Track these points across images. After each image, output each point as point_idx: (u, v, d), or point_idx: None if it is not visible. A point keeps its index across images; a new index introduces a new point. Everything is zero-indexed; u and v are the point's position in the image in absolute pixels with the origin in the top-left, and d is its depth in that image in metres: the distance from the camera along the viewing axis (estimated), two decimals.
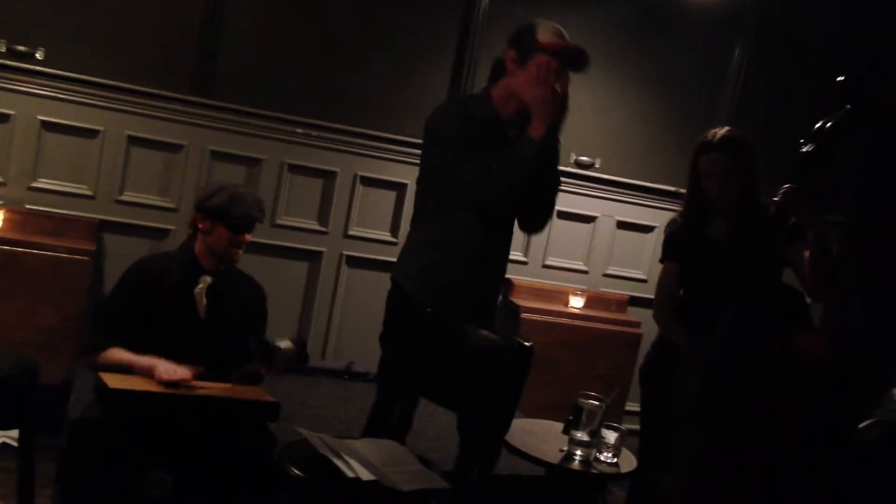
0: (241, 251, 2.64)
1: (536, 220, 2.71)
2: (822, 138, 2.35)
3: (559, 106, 2.50)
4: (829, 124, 2.35)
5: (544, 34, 2.52)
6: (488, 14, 4.24)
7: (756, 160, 2.69)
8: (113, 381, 2.32)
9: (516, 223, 2.72)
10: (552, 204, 2.68)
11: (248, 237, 2.63)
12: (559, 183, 2.66)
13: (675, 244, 2.77)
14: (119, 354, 2.50)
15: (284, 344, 2.49)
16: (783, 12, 4.68)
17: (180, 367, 2.42)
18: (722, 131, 2.69)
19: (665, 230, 2.85)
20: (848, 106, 2.34)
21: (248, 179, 4.06)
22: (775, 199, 2.40)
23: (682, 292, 2.82)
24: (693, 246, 2.72)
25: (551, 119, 2.48)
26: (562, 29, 2.57)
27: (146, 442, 2.31)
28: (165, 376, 2.38)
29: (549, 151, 2.54)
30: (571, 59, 2.53)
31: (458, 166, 2.50)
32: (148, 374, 2.43)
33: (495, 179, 2.47)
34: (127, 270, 2.65)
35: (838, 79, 2.39)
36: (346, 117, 4.18)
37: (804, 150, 2.39)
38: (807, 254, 2.53)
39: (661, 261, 2.82)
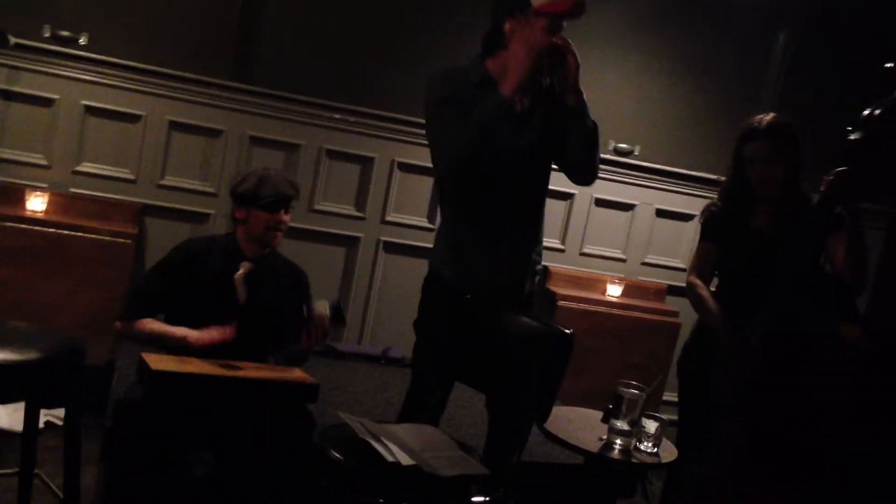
0: (279, 234, 2.64)
1: (578, 170, 2.58)
2: (869, 125, 2.30)
3: (572, 63, 2.39)
4: (877, 111, 2.29)
5: None
6: None
7: (801, 147, 2.64)
8: (155, 362, 2.35)
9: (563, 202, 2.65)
10: (593, 155, 2.53)
11: (286, 217, 2.63)
12: (595, 135, 2.52)
13: (716, 225, 2.73)
14: (152, 324, 2.58)
15: (318, 303, 2.53)
16: None
17: (211, 330, 2.48)
18: (768, 118, 2.65)
19: (701, 215, 2.81)
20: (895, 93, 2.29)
21: (286, 165, 4.08)
22: (822, 187, 2.35)
23: (718, 277, 2.79)
24: (734, 230, 2.69)
25: (520, 79, 2.38)
26: None
27: (188, 422, 2.34)
28: (199, 343, 2.44)
29: (571, 104, 2.45)
30: (569, 15, 2.42)
31: (440, 127, 2.44)
32: (180, 344, 2.49)
33: (451, 139, 2.38)
34: (172, 249, 2.69)
35: (886, 65, 2.33)
36: (383, 103, 4.18)
37: (851, 137, 2.34)
38: (841, 243, 2.49)
39: (699, 241, 2.78)
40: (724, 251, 2.72)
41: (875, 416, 2.39)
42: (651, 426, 2.47)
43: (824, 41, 4.62)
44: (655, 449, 2.48)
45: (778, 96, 4.63)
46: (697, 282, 2.74)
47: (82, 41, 3.80)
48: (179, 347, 2.51)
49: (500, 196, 2.53)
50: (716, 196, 2.83)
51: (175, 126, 3.96)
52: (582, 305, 4.25)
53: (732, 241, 2.70)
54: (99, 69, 3.82)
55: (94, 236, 3.61)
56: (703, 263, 2.76)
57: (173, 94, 3.92)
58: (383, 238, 4.30)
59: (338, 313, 2.59)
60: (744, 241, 2.68)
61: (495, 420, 2.68)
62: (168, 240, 3.77)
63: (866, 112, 2.31)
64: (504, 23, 2.48)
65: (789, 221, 2.59)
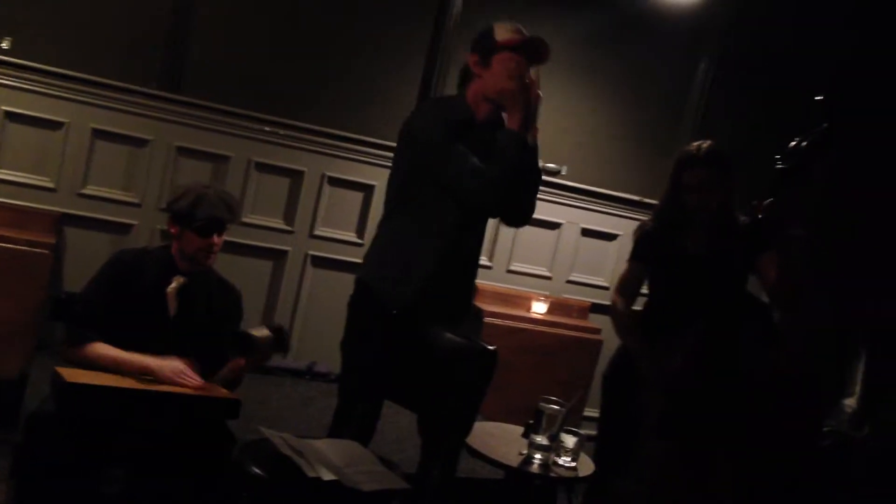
0: (212, 255, 2.60)
1: (521, 213, 2.68)
2: (798, 155, 2.37)
3: (534, 97, 2.49)
4: (805, 142, 2.36)
5: (502, 33, 2.53)
6: (460, 19, 4.26)
7: (734, 174, 2.69)
8: (70, 375, 2.30)
9: (493, 219, 2.72)
10: (534, 198, 2.65)
11: (218, 239, 2.58)
12: (541, 175, 2.65)
13: (649, 246, 2.76)
14: (106, 350, 2.47)
15: (259, 332, 2.48)
16: (749, 26, 4.78)
17: (179, 366, 2.41)
18: (706, 145, 2.68)
19: (634, 233, 2.83)
20: (825, 124, 2.36)
21: (214, 176, 4.04)
22: (752, 214, 2.41)
23: (648, 297, 2.83)
24: (667, 252, 2.72)
25: (525, 109, 2.48)
26: (520, 26, 2.57)
27: (103, 437, 2.29)
28: (171, 377, 2.39)
29: (532, 149, 2.53)
30: (531, 51, 2.53)
31: (442, 165, 2.50)
32: (143, 373, 2.40)
33: (480, 176, 2.47)
34: (106, 263, 2.63)
35: (817, 97, 2.41)
36: (315, 117, 4.18)
37: (780, 166, 2.40)
38: (772, 262, 2.57)
39: (629, 260, 2.80)
40: (656, 273, 2.75)
41: (791, 434, 2.48)
42: (569, 441, 2.52)
43: (744, 68, 4.81)
44: (574, 463, 2.53)
45: (699, 121, 4.79)
46: (622, 304, 2.77)
47: (5, 45, 3.70)
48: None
49: (465, 216, 2.58)
50: (647, 217, 2.85)
51: (99, 134, 3.88)
52: (508, 322, 4.31)
53: (664, 264, 2.73)
54: (21, 74, 3.71)
55: (9, 245, 3.49)
56: (631, 282, 2.79)
57: (98, 102, 3.84)
58: (311, 252, 4.28)
59: (280, 338, 2.53)
60: (676, 265, 2.71)
61: (426, 440, 2.69)
62: (89, 250, 3.71)
63: (795, 142, 2.37)
64: (470, 57, 2.58)
65: (721, 246, 2.64)
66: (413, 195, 2.59)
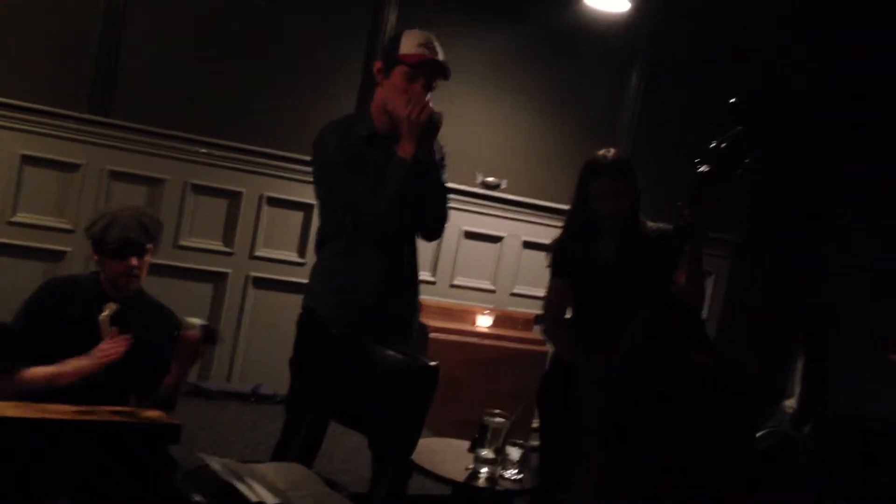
0: (133, 278, 2.55)
1: (431, 228, 2.69)
2: (715, 158, 2.42)
3: (429, 119, 2.48)
4: (722, 144, 2.42)
5: (408, 45, 2.52)
6: (394, 35, 4.27)
7: (637, 180, 2.73)
8: None
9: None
10: (444, 211, 2.66)
11: (137, 262, 2.54)
12: (445, 189, 2.65)
13: (566, 261, 2.77)
14: (38, 371, 2.43)
15: (188, 321, 2.47)
16: (679, 36, 4.89)
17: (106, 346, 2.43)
18: (611, 154, 2.70)
19: (549, 250, 2.84)
20: (739, 127, 2.42)
21: (149, 200, 3.97)
22: (680, 217, 2.45)
23: (571, 309, 2.85)
24: (582, 263, 2.74)
25: (419, 138, 2.48)
26: (431, 37, 2.56)
27: (37, 471, 2.22)
28: (103, 359, 2.40)
29: (424, 166, 2.53)
30: (431, 72, 2.53)
31: (344, 186, 2.51)
32: (79, 376, 2.41)
33: (371, 202, 2.47)
34: (34, 292, 2.58)
35: (731, 100, 2.47)
36: (251, 137, 4.14)
37: (699, 169, 2.46)
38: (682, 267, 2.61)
39: (551, 277, 2.81)
40: (575, 284, 2.77)
41: (727, 434, 2.52)
42: (514, 453, 2.53)
43: (674, 76, 4.92)
44: (520, 475, 2.54)
45: (633, 130, 4.88)
46: (553, 321, 2.79)
47: None
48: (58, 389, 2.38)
49: (385, 235, 2.57)
50: (560, 231, 2.85)
51: (27, 160, 3.78)
52: (453, 337, 4.31)
53: (581, 274, 2.75)
54: None
55: None
56: (557, 299, 2.80)
57: (25, 127, 3.75)
58: (252, 273, 4.23)
59: (209, 332, 2.52)
60: (592, 274, 2.73)
61: (376, 457, 2.68)
62: (20, 280, 3.59)
63: (712, 145, 2.42)
64: (376, 62, 2.59)
65: (632, 252, 2.68)
66: (336, 218, 2.59)
